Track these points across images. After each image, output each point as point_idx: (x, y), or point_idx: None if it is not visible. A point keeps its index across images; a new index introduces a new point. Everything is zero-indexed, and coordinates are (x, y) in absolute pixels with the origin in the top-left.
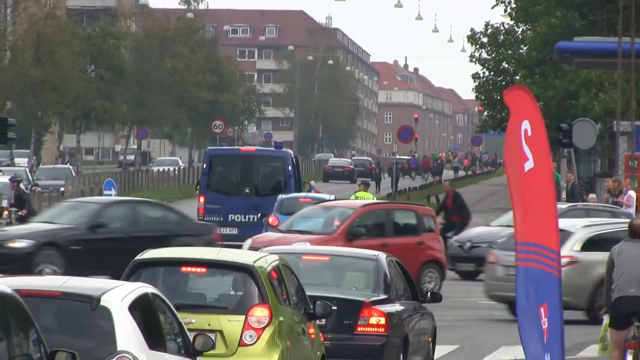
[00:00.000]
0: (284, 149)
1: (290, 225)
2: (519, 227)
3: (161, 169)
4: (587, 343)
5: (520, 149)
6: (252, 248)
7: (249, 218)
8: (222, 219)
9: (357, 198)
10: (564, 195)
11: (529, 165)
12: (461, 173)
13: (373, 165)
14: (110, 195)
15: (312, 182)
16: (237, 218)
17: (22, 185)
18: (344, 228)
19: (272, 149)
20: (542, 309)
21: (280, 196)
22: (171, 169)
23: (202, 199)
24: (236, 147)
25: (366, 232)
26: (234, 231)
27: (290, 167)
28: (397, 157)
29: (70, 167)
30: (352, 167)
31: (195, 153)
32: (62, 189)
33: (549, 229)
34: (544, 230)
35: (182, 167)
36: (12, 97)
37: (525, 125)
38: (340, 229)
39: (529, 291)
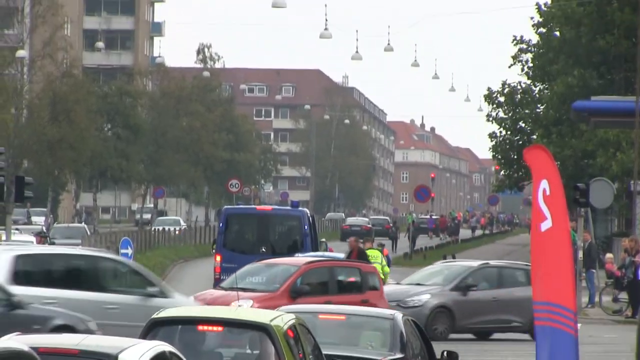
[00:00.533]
0: (300, 208)
1: (232, 282)
2: (538, 287)
3: (160, 228)
4: None
5: (538, 208)
6: None
7: None
8: None
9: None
10: (580, 255)
11: (546, 225)
12: (478, 232)
13: (391, 225)
14: (127, 254)
15: (323, 240)
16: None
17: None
18: (288, 286)
19: (289, 208)
20: None
21: (297, 255)
22: (172, 229)
23: (218, 258)
24: (252, 206)
25: (310, 290)
26: None
27: (306, 226)
28: (420, 216)
29: (85, 225)
30: (369, 225)
31: (212, 212)
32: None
33: (566, 288)
34: (560, 290)
35: (183, 228)
36: (28, 156)
37: (544, 184)
38: (283, 287)
39: (550, 350)
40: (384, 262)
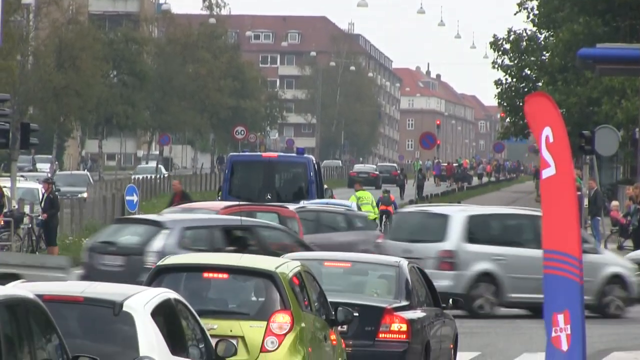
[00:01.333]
0: (305, 155)
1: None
2: (544, 234)
3: (141, 177)
4: (609, 350)
5: (541, 155)
6: None
7: None
8: None
9: (357, 198)
10: (585, 202)
11: (549, 172)
12: (484, 180)
13: (398, 172)
14: (132, 201)
15: (326, 187)
16: None
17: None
18: None
19: (294, 155)
20: (559, 317)
21: (302, 202)
22: (152, 176)
23: None
24: (258, 153)
25: None
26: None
27: (312, 173)
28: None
29: (88, 173)
30: (377, 173)
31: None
32: (83, 194)
33: (571, 236)
34: (565, 237)
35: (165, 175)
36: (34, 103)
37: (547, 131)
38: None
39: (554, 298)
40: (374, 203)
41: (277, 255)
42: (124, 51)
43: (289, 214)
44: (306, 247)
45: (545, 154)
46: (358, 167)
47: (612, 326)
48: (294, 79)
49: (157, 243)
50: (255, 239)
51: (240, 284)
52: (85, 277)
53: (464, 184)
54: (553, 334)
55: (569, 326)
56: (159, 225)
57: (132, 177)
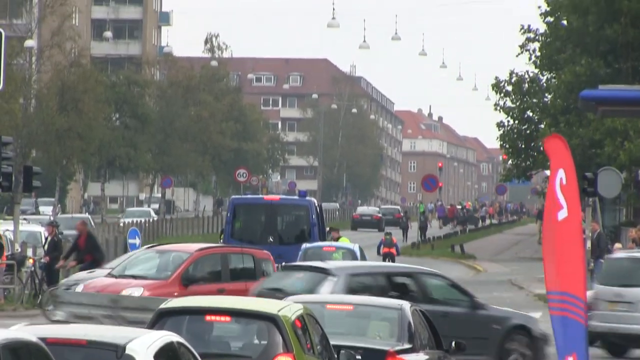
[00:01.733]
0: (307, 198)
1: (123, 270)
2: (551, 276)
3: (128, 220)
4: None
5: (555, 197)
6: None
7: None
8: None
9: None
10: (588, 244)
11: (563, 214)
12: (487, 222)
13: (401, 214)
14: (135, 244)
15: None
16: None
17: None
18: (179, 273)
19: (296, 197)
20: (569, 359)
21: (304, 245)
22: (141, 220)
23: None
24: (260, 195)
25: (202, 277)
26: None
27: (314, 216)
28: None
29: (89, 216)
30: (379, 215)
31: (225, 200)
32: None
33: (577, 278)
34: (572, 279)
35: (154, 219)
36: (37, 145)
37: (561, 174)
38: (175, 274)
39: (564, 340)
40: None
41: (440, 303)
42: (126, 94)
43: (264, 256)
44: (465, 292)
45: (560, 195)
46: (361, 209)
47: None
48: (295, 121)
49: (325, 289)
50: (417, 286)
51: (243, 327)
52: None
53: (466, 227)
54: None
55: None
56: (325, 272)
57: (121, 221)
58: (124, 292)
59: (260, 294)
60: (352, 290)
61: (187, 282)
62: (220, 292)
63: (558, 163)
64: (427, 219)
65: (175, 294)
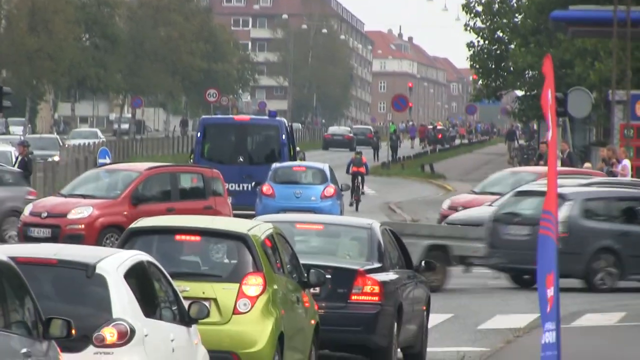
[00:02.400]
0: (278, 118)
1: (72, 189)
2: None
3: (77, 143)
4: (581, 312)
5: (546, 117)
6: (32, 213)
7: (243, 187)
8: None
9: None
10: (558, 164)
11: (550, 134)
12: (457, 142)
13: (373, 134)
14: (105, 163)
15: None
16: (232, 187)
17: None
18: (129, 192)
19: (267, 117)
20: (548, 277)
21: (274, 165)
22: (89, 142)
23: None
24: (230, 116)
25: (151, 197)
26: (229, 200)
27: (284, 136)
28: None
29: (57, 136)
30: (351, 135)
31: (190, 121)
32: (54, 157)
33: (551, 194)
34: (548, 196)
35: (101, 141)
36: (7, 66)
37: (549, 94)
38: (124, 193)
39: (540, 259)
40: None
41: None
42: (96, 14)
43: (213, 175)
44: None
45: (549, 115)
46: (332, 129)
47: (584, 292)
48: (265, 41)
49: (561, 214)
50: None
51: (213, 246)
52: (491, 247)
53: (436, 147)
54: (549, 294)
55: (553, 288)
56: (561, 197)
57: (67, 143)
58: (73, 211)
59: (497, 219)
60: (587, 214)
61: (137, 201)
62: (170, 211)
63: (549, 83)
64: (399, 139)
65: (125, 212)
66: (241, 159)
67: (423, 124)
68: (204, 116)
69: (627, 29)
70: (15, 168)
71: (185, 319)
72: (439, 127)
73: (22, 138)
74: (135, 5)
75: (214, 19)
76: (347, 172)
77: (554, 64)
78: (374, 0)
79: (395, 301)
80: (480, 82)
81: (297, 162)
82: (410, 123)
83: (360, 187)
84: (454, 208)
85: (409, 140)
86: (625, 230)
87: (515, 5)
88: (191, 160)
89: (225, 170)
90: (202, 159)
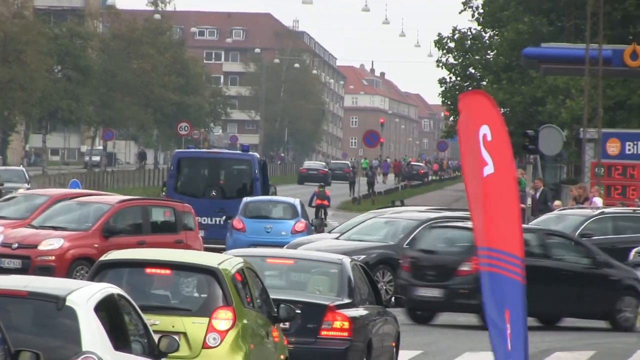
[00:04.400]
0: (250, 152)
1: (44, 221)
2: (479, 232)
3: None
4: (551, 350)
5: (479, 154)
6: (3, 244)
7: (216, 220)
8: None
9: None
10: (529, 201)
11: (488, 170)
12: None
13: (350, 169)
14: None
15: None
16: (204, 220)
17: None
18: (100, 224)
19: (240, 152)
20: (506, 315)
21: (245, 199)
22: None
23: None
24: (204, 149)
25: (123, 229)
26: (201, 234)
27: (257, 171)
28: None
29: (24, 169)
30: (326, 170)
31: (161, 155)
32: (20, 190)
33: (512, 235)
34: (506, 237)
35: (27, 189)
36: None
37: (484, 130)
38: (95, 226)
39: (495, 297)
40: None
41: None
42: (68, 46)
43: (185, 209)
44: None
45: (484, 152)
46: (308, 163)
47: (554, 330)
48: (238, 75)
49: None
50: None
51: (183, 280)
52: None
53: (409, 183)
54: (508, 330)
55: (509, 325)
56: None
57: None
58: (44, 243)
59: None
60: None
61: (108, 233)
62: (141, 244)
63: (480, 120)
64: (375, 174)
65: (96, 245)
66: (214, 193)
67: (397, 159)
68: (177, 150)
69: (599, 67)
70: None
71: (155, 352)
72: (413, 163)
73: None
74: (107, 37)
75: (186, 52)
76: (310, 204)
77: (526, 102)
78: (347, 35)
79: (364, 337)
80: (451, 118)
81: (268, 197)
82: (386, 159)
83: (323, 220)
84: (6, 243)
85: (381, 176)
86: None
87: (487, 42)
88: (163, 194)
89: (197, 203)
90: (175, 193)
